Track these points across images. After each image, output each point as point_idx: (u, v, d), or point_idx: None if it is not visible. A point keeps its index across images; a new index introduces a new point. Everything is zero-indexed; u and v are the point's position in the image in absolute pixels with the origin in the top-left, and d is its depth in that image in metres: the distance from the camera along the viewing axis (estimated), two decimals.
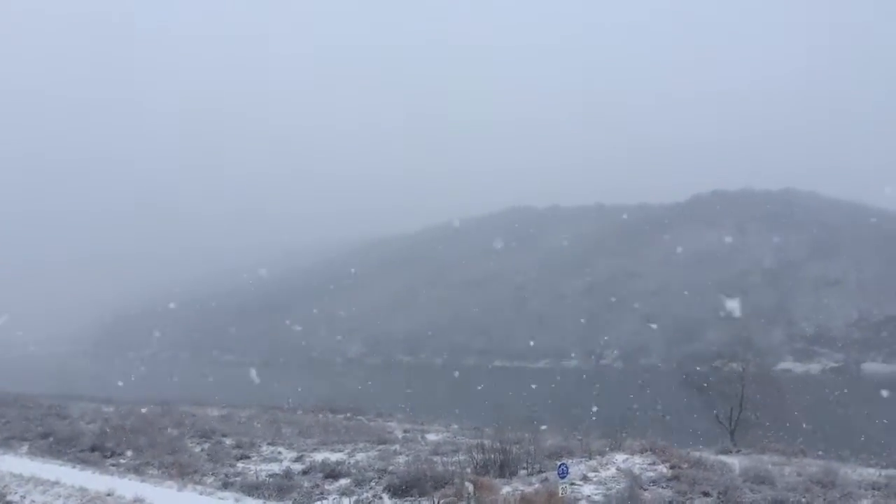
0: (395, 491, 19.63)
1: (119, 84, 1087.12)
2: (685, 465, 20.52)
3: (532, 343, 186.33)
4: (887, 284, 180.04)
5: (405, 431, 34.93)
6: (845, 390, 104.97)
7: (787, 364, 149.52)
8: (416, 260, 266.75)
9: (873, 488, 18.68)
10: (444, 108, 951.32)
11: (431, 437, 32.54)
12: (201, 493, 20.66)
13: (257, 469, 24.01)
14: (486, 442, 22.39)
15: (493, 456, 21.22)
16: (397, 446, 28.54)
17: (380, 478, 21.45)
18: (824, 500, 16.45)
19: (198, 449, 28.70)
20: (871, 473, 21.60)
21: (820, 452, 28.92)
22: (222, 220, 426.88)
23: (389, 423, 40.02)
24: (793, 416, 41.89)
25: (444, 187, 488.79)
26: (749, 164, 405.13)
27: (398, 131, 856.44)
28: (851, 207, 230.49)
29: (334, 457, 25.77)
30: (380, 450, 27.43)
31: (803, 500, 16.46)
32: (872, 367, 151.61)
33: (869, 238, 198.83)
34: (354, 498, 19.74)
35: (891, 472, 22.66)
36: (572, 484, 18.23)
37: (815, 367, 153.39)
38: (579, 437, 27.08)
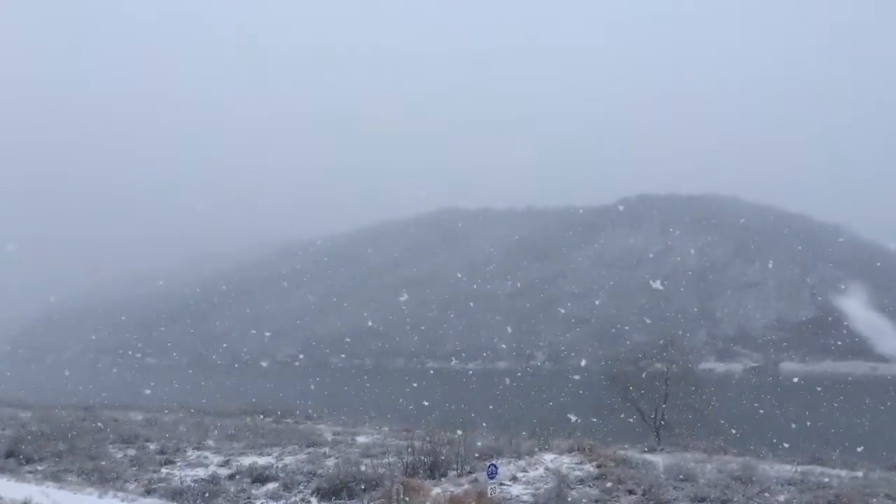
0: (324, 494, 19.46)
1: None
2: (611, 464, 20.91)
3: (463, 345, 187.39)
4: (804, 287, 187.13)
5: (335, 434, 34.58)
6: (764, 389, 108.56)
7: (710, 364, 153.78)
8: (347, 261, 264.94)
9: (789, 484, 19.34)
10: (373, 108, 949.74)
11: (361, 439, 32.32)
12: (123, 500, 20.11)
13: (182, 474, 23.47)
14: (417, 443, 22.38)
15: (423, 457, 21.23)
16: (327, 449, 28.28)
17: (309, 481, 21.22)
18: (743, 495, 16.96)
19: (120, 455, 27.87)
20: (787, 470, 22.35)
21: (735, 450, 29.80)
22: (149, 219, 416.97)
23: (319, 426, 39.56)
24: (715, 415, 43.08)
25: (375, 188, 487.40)
26: (676, 170, 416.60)
27: (331, 130, 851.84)
28: (771, 212, 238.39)
29: (262, 461, 25.38)
30: (309, 453, 27.14)
31: (723, 496, 16.93)
32: (789, 366, 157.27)
33: (787, 242, 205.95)
34: (283, 502, 19.51)
35: (806, 468, 23.49)
36: (501, 484, 18.37)
37: (736, 367, 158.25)
38: (509, 438, 27.31)
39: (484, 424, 34.34)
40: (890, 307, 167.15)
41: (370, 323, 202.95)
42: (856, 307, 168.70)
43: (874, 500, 16.34)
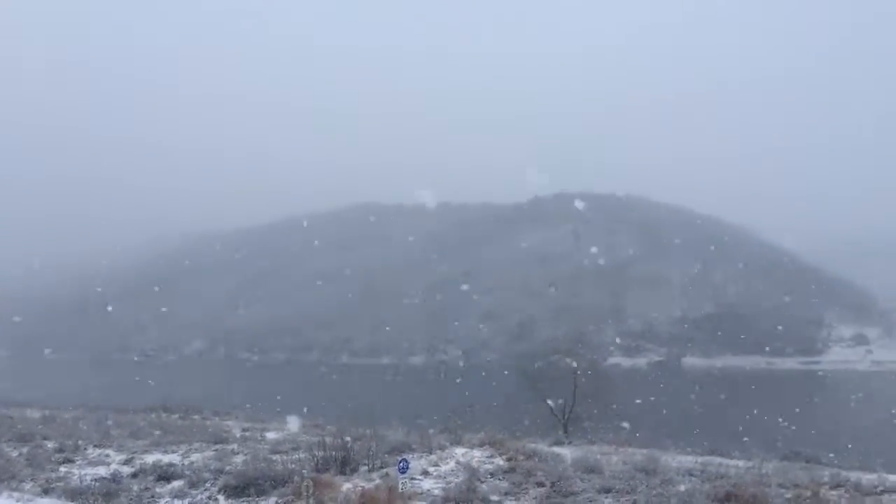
0: (231, 491, 19.05)
1: None
2: (521, 458, 21.17)
3: (376, 340, 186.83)
4: (707, 284, 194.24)
5: (244, 430, 33.88)
6: (667, 382, 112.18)
7: (617, 358, 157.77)
8: (260, 254, 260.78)
9: (690, 474, 20.00)
10: (293, 101, 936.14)
11: (271, 435, 31.78)
12: (18, 501, 19.23)
13: (82, 473, 22.58)
14: (328, 439, 22.16)
15: (334, 453, 21.02)
16: (235, 445, 27.67)
17: (216, 478, 20.73)
18: (647, 486, 17.44)
19: (15, 453, 26.62)
20: (688, 460, 23.09)
21: (639, 443, 30.67)
22: (56, 212, 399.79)
23: (227, 422, 38.66)
24: (621, 408, 44.30)
25: (290, 181, 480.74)
26: (588, 168, 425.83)
27: (252, 123, 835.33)
28: (679, 212, 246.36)
29: (167, 458, 24.65)
30: (216, 449, 26.49)
31: (628, 487, 17.39)
32: (691, 360, 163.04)
33: (693, 241, 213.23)
34: (188, 500, 19.01)
35: (706, 458, 24.35)
36: (412, 479, 18.38)
37: (641, 362, 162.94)
38: (420, 433, 27.36)
39: (396, 419, 34.33)
40: (787, 306, 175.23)
41: (283, 317, 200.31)
42: (755, 305, 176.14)
43: (768, 489, 17.06)
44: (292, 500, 17.00)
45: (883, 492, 17.71)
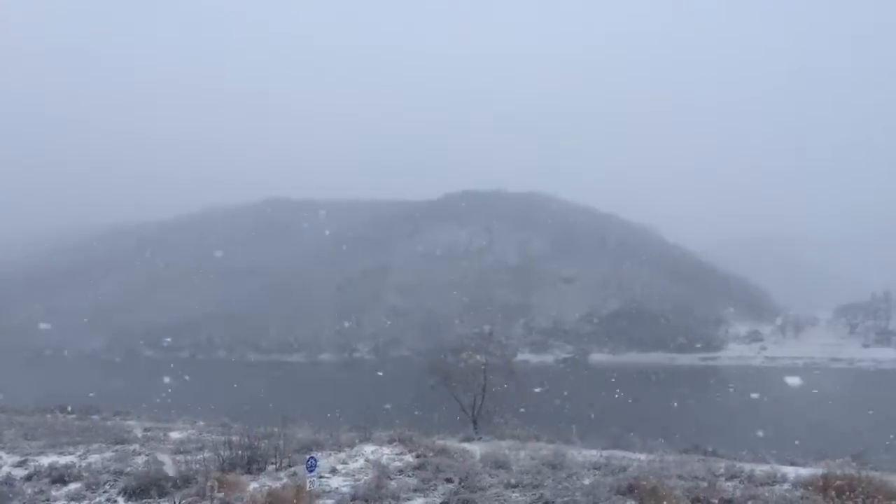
0: (132, 493, 18.44)
1: None
2: (430, 454, 21.24)
3: (285, 337, 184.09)
4: (613, 282, 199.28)
5: (146, 430, 32.87)
6: (575, 378, 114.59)
7: (526, 355, 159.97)
8: (164, 249, 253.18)
9: (595, 468, 20.50)
10: (202, 93, 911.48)
11: (175, 435, 30.94)
12: None
13: None
14: (234, 438, 21.73)
15: (240, 452, 20.63)
16: (136, 446, 26.80)
17: (115, 480, 20.03)
18: (553, 480, 17.77)
19: None
20: (593, 454, 23.63)
21: (546, 438, 31.22)
22: None
23: (128, 422, 37.45)
24: (529, 404, 44.97)
25: (199, 175, 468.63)
26: (500, 167, 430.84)
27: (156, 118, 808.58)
28: (587, 212, 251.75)
29: (63, 460, 23.68)
30: (116, 450, 25.61)
31: (535, 481, 17.68)
32: (598, 357, 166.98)
33: (600, 240, 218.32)
34: (86, 503, 18.32)
35: (610, 452, 24.98)
36: (321, 477, 18.21)
37: (549, 358, 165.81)
38: (329, 431, 27.13)
39: (305, 417, 33.92)
40: (688, 304, 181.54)
41: (187, 314, 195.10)
42: (659, 303, 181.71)
43: (668, 480, 17.63)
44: (196, 501, 16.59)
45: (774, 482, 18.55)
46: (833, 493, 15.30)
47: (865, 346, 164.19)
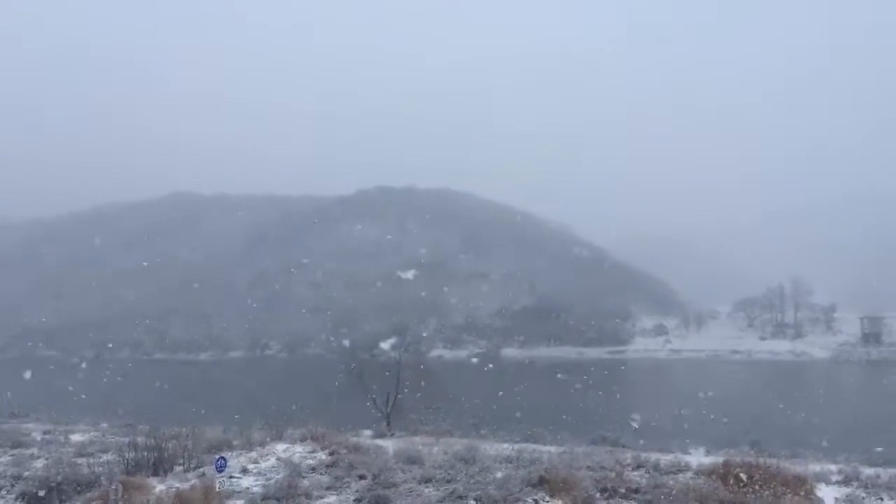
0: (30, 498, 17.72)
1: None
2: (344, 451, 21.16)
3: (194, 335, 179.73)
4: (525, 278, 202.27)
5: (45, 433, 31.54)
6: (487, 373, 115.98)
7: (440, 351, 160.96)
8: (64, 244, 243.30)
9: (507, 461, 20.82)
10: (100, 87, 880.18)
11: (77, 437, 29.80)
12: None
13: None
14: (140, 439, 21.11)
15: (146, 454, 20.06)
16: (35, 450, 25.72)
17: (12, 486, 19.20)
18: (466, 474, 17.96)
19: None
20: (505, 448, 24.01)
21: (460, 433, 31.52)
22: None
23: (26, 425, 35.86)
24: (443, 399, 45.26)
25: (100, 169, 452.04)
26: (413, 163, 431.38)
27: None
28: (500, 208, 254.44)
29: None
30: (13, 454, 24.53)
31: (448, 476, 17.83)
32: (510, 352, 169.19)
33: (512, 236, 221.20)
34: None
35: (522, 445, 25.43)
36: (231, 477, 17.90)
37: (462, 354, 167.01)
38: (240, 430, 26.66)
39: (214, 416, 33.23)
40: (597, 299, 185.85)
41: (90, 313, 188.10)
42: (569, 298, 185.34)
43: (578, 472, 18.07)
44: None
45: (679, 471, 19.24)
46: (733, 480, 15.97)
47: (762, 338, 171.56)
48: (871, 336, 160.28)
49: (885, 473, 18.35)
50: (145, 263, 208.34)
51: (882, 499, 16.28)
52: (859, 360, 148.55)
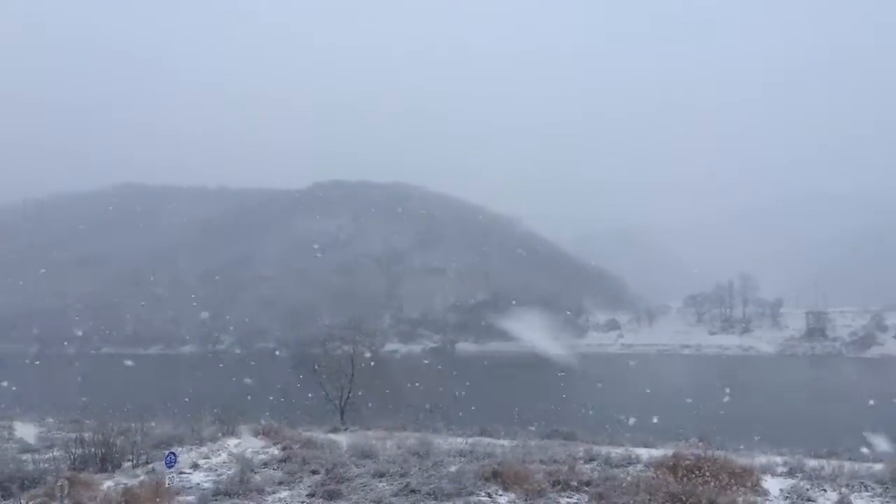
0: None
1: None
2: (296, 446, 21.01)
3: (143, 329, 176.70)
4: (480, 273, 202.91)
5: None
6: (442, 367, 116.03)
7: (394, 345, 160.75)
8: (5, 236, 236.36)
9: (460, 455, 20.89)
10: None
11: (21, 432, 29.07)
12: None
13: None
14: (87, 435, 20.67)
15: (93, 450, 19.66)
16: None
17: None
18: (419, 469, 17.97)
19: None
20: (459, 442, 24.07)
21: (413, 427, 31.50)
22: None
23: None
24: (397, 393, 45.23)
25: (42, 159, 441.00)
26: (367, 157, 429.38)
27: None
28: (453, 202, 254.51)
29: None
30: None
31: (401, 470, 17.82)
32: (464, 346, 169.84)
33: (467, 231, 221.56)
34: None
35: (475, 439, 25.52)
36: (181, 473, 17.65)
37: (417, 348, 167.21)
38: (191, 425, 26.28)
39: (165, 411, 32.73)
40: (552, 293, 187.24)
41: (35, 306, 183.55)
42: (524, 292, 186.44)
43: (531, 465, 18.22)
44: (45, 503, 15.67)
45: (629, 463, 19.52)
46: (682, 473, 16.25)
47: (712, 333, 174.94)
48: (816, 331, 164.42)
49: (828, 465, 18.82)
50: (92, 256, 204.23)
51: (825, 490, 16.70)
52: (804, 354, 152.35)
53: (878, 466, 18.64)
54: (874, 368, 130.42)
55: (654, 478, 16.40)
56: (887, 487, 16.49)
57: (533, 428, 31.16)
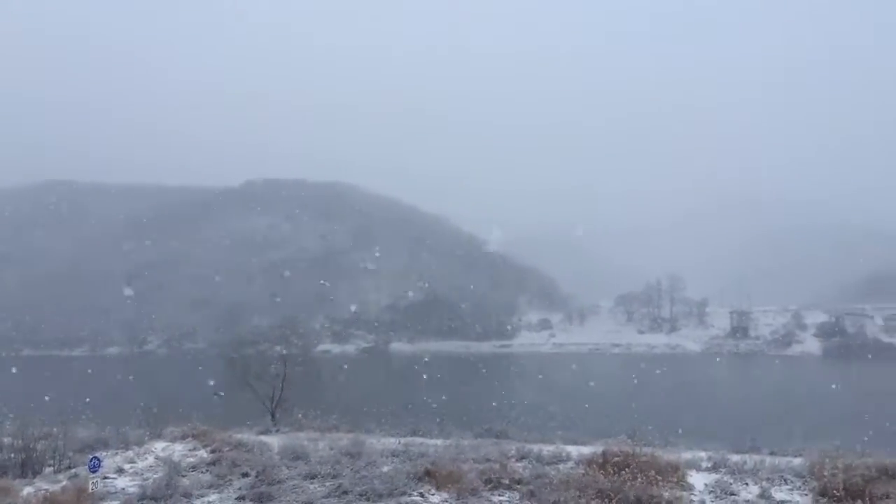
0: None
1: None
2: (226, 449, 20.67)
3: (67, 330, 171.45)
4: (414, 273, 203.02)
5: None
6: (375, 368, 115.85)
7: (327, 345, 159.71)
8: None
9: (393, 455, 20.86)
10: None
11: None
12: None
13: None
14: (5, 440, 19.99)
15: (12, 455, 19.01)
16: None
17: None
18: (351, 469, 17.88)
19: None
20: (392, 442, 24.03)
21: (346, 427, 31.35)
22: None
23: None
24: (330, 394, 44.92)
25: None
26: (303, 155, 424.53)
27: None
28: (387, 201, 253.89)
29: None
30: None
31: (333, 471, 17.70)
32: (398, 346, 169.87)
33: (402, 231, 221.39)
34: None
35: (409, 439, 25.53)
36: (105, 478, 17.20)
37: (350, 348, 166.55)
38: (117, 428, 25.62)
39: (89, 415, 31.80)
40: (485, 293, 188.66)
41: None
42: (457, 292, 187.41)
43: (464, 464, 18.32)
44: None
45: (560, 461, 19.80)
46: (611, 469, 16.58)
47: (641, 332, 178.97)
48: (739, 329, 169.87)
49: (750, 460, 19.43)
50: (11, 255, 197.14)
51: (747, 484, 17.24)
52: (728, 352, 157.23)
53: (798, 460, 19.33)
54: (794, 365, 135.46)
55: (583, 475, 16.69)
56: (805, 480, 17.11)
57: (465, 426, 31.34)
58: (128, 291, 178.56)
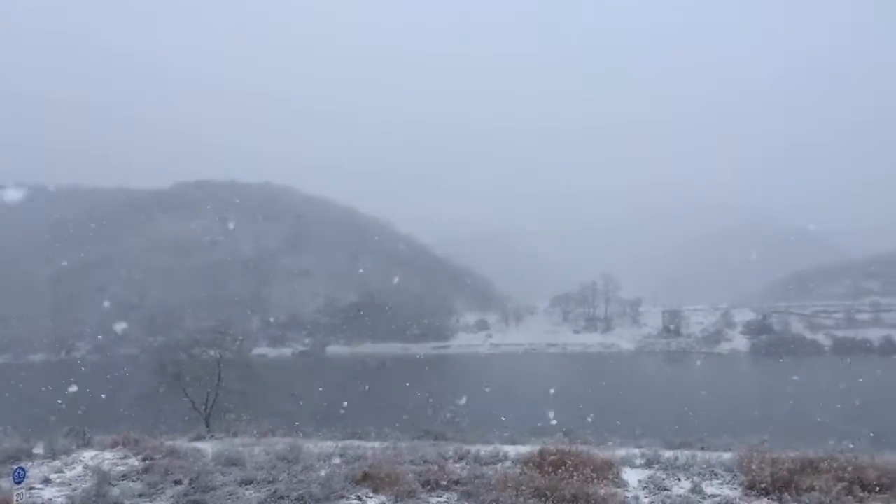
0: None
1: None
2: (158, 456, 20.22)
3: None
4: (350, 274, 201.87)
5: None
6: (312, 371, 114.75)
7: (263, 349, 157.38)
8: None
9: (330, 459, 20.71)
10: None
11: None
12: None
13: None
14: None
15: None
16: None
17: None
18: (288, 474, 17.67)
19: None
20: (329, 446, 23.84)
21: (283, 432, 30.98)
22: None
23: None
24: (266, 398, 44.32)
25: None
26: (234, 157, 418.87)
27: None
28: (323, 203, 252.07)
29: None
30: None
31: (269, 477, 17.46)
32: (335, 349, 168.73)
33: (337, 232, 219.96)
34: None
35: (346, 442, 25.37)
36: (31, 488, 16.63)
37: (286, 351, 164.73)
38: (42, 437, 24.79)
39: (13, 424, 30.72)
40: (422, 295, 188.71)
41: None
42: (394, 294, 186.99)
43: (402, 466, 18.30)
44: None
45: (498, 461, 19.94)
46: (547, 468, 16.77)
47: (576, 332, 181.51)
48: (671, 328, 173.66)
49: (682, 455, 19.88)
50: None
51: (679, 479, 17.64)
52: (661, 350, 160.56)
53: (727, 455, 19.85)
54: (723, 362, 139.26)
55: (521, 474, 16.83)
56: (735, 474, 17.59)
57: (403, 429, 31.32)
58: (52, 296, 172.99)
